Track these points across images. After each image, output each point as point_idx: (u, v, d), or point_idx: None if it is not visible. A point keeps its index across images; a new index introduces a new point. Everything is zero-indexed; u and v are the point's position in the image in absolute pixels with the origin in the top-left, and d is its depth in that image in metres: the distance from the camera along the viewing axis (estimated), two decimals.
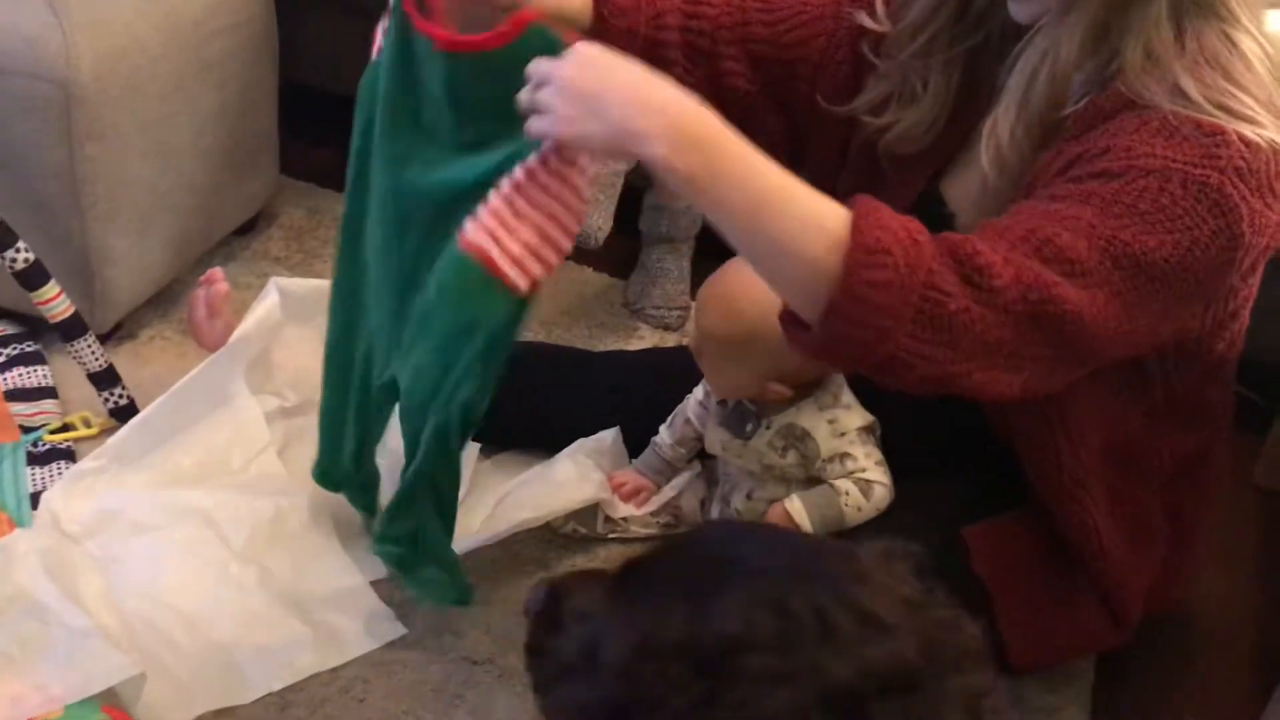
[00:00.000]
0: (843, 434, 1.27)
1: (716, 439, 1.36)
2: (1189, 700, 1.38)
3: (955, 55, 1.17)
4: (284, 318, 1.47)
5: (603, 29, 1.18)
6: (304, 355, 1.50)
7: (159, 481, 1.33)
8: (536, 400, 1.46)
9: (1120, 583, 1.24)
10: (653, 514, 1.44)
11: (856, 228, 0.92)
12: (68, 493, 1.31)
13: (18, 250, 1.36)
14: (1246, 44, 1.05)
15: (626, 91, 0.94)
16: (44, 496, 1.33)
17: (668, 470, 1.45)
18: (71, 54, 1.43)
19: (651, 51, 1.18)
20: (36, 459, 1.43)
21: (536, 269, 1.04)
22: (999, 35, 1.15)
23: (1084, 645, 1.30)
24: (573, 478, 1.36)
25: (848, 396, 1.30)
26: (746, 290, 1.22)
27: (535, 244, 1.03)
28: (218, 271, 1.50)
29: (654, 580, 0.70)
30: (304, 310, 1.50)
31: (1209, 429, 1.26)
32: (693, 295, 1.89)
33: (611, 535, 1.42)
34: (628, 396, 1.49)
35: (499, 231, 1.02)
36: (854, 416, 1.29)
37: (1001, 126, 1.08)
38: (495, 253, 1.02)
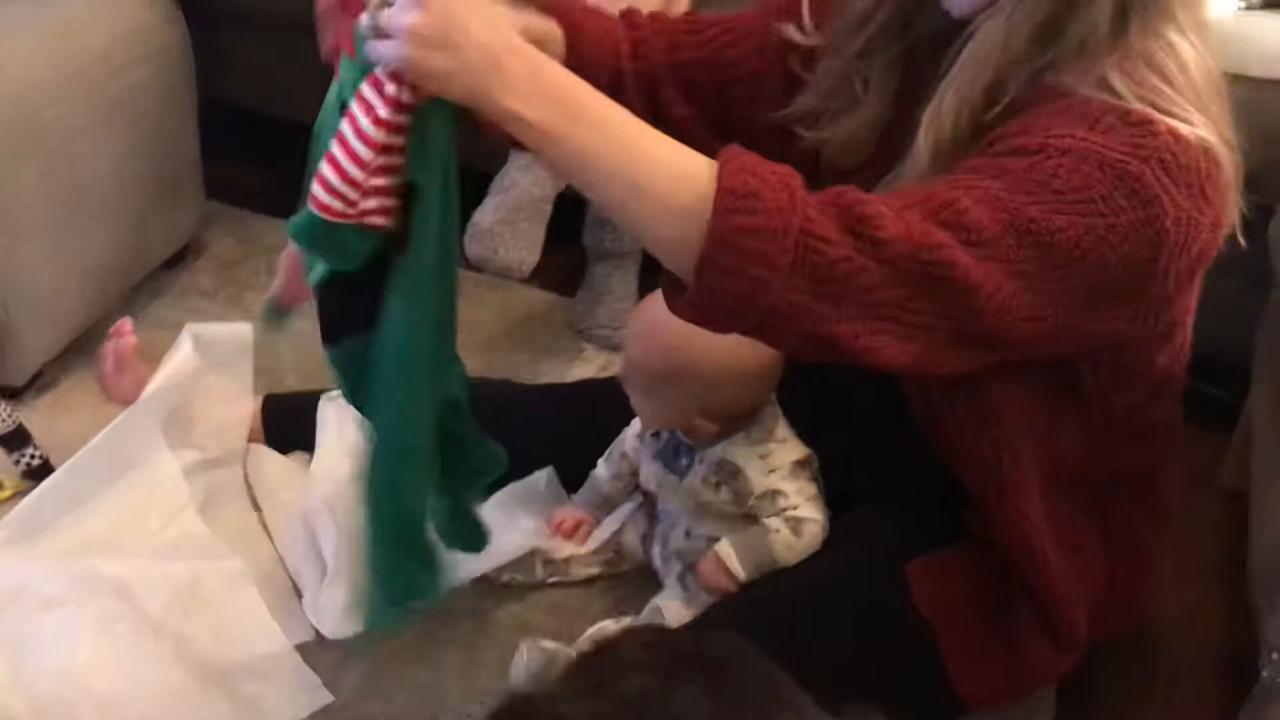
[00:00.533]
0: (774, 470, 1.24)
1: (651, 474, 1.32)
2: (1155, 712, 1.36)
3: (894, 56, 1.13)
4: (202, 365, 1.42)
5: (578, 57, 1.13)
6: (224, 403, 1.46)
7: (70, 550, 1.28)
8: None
9: (1063, 601, 1.21)
10: (594, 552, 1.39)
11: (723, 173, 0.88)
12: None
13: None
14: (1184, 49, 1.01)
15: (488, 34, 0.89)
16: None
17: (607, 505, 1.41)
18: None
19: (615, 83, 1.15)
20: None
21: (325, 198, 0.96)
22: (930, 32, 1.11)
23: (1032, 675, 1.26)
24: (503, 528, 1.31)
25: (783, 430, 1.26)
26: (673, 323, 1.17)
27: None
28: (126, 323, 1.45)
29: (585, 666, 0.68)
30: (223, 356, 1.45)
31: (1155, 449, 1.23)
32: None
33: (552, 580, 1.38)
34: (564, 431, 1.44)
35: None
36: (787, 451, 1.25)
37: (945, 112, 1.02)
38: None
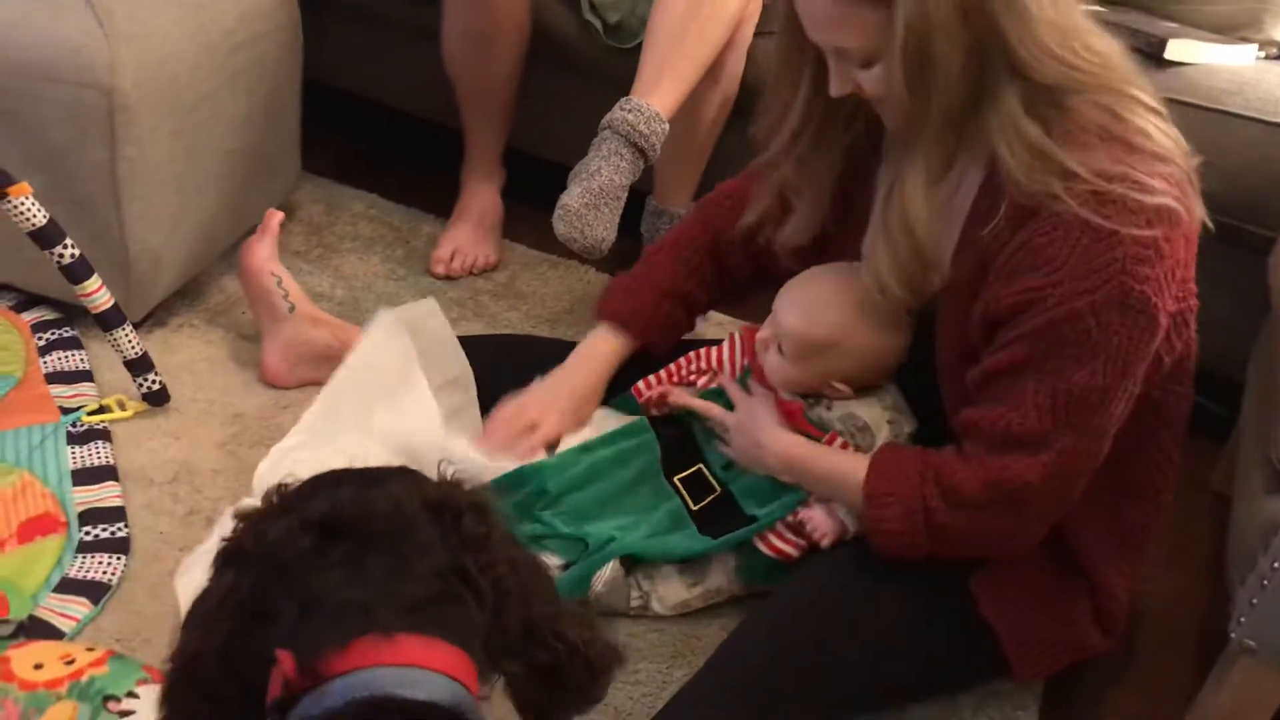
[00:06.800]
0: (897, 436, 1.38)
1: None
2: (1136, 685, 1.48)
3: (835, 154, 1.32)
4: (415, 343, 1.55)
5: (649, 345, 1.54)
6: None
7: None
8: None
9: (1113, 592, 1.33)
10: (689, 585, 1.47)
11: (867, 479, 1.26)
12: (274, 470, 1.41)
13: (65, 246, 1.47)
14: (1126, 107, 1.14)
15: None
16: (256, 473, 1.44)
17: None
18: (115, 64, 1.54)
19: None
20: (75, 438, 1.54)
21: None
22: (866, 134, 1.29)
23: (1078, 656, 1.37)
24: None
25: (902, 403, 1.41)
26: (834, 298, 1.36)
27: None
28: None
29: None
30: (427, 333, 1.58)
31: (1166, 443, 1.33)
32: None
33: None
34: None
35: None
36: (906, 422, 1.40)
37: (881, 266, 1.23)
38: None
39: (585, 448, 1.50)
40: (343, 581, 0.81)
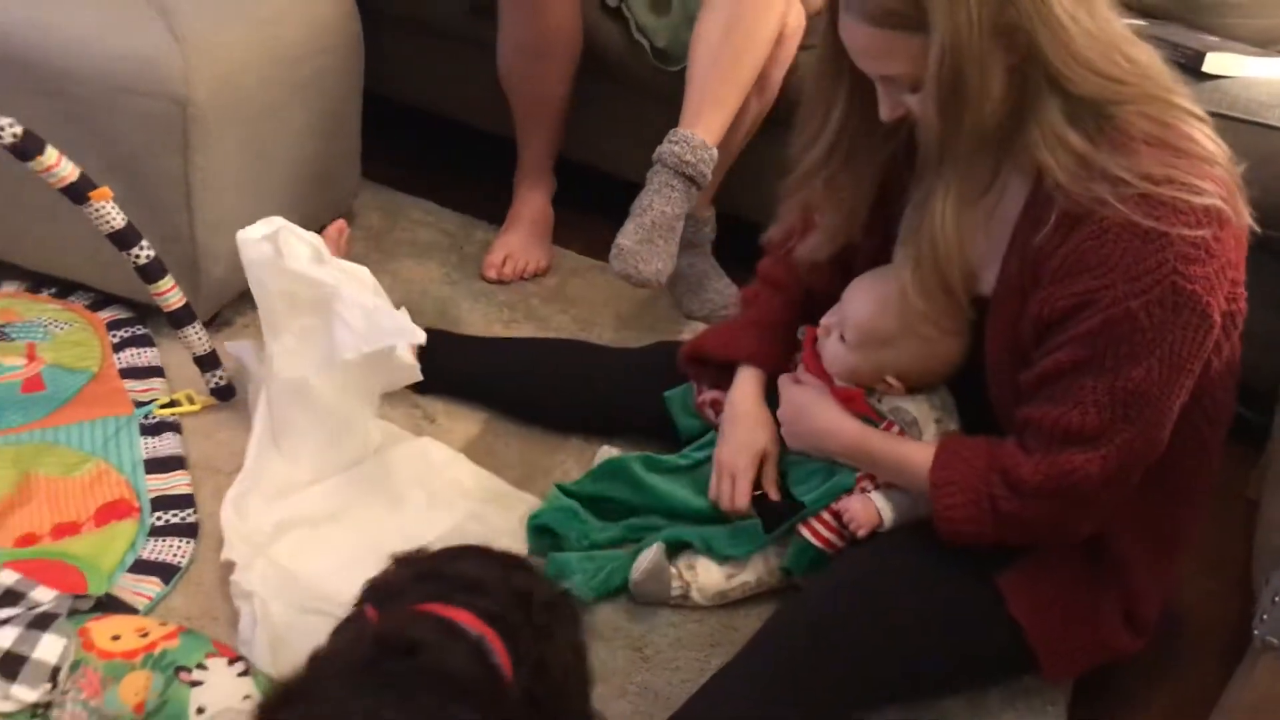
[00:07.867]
0: (945, 434, 1.40)
1: None
2: (1165, 686, 1.51)
3: (868, 173, 1.35)
4: None
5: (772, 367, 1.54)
6: None
7: None
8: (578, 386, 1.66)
9: (1143, 593, 1.35)
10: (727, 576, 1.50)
11: (933, 467, 1.30)
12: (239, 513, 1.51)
13: (140, 248, 1.55)
14: (1170, 114, 1.17)
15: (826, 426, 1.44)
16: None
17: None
18: (190, 76, 1.62)
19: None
20: (148, 430, 1.62)
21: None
22: (905, 146, 1.32)
23: (1108, 657, 1.39)
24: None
25: (951, 405, 1.44)
26: (907, 299, 1.35)
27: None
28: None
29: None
30: None
31: (1210, 444, 1.34)
32: (737, 284, 1.99)
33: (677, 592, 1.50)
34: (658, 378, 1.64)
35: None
36: (952, 421, 1.43)
37: (904, 275, 1.27)
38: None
39: (650, 461, 1.57)
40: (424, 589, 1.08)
